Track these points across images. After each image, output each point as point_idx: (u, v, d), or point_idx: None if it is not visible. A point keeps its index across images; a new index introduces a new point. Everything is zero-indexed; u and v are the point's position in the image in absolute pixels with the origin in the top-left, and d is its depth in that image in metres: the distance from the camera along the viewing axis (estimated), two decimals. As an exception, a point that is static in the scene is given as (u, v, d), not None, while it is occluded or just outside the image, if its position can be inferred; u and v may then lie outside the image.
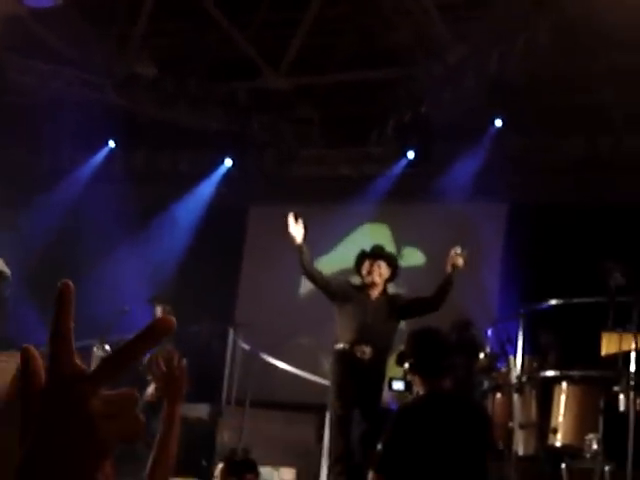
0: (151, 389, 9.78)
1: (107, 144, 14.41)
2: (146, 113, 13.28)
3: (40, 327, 11.25)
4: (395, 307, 8.18)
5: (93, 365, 0.92)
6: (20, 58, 12.79)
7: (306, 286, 13.59)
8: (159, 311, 10.68)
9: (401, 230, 13.66)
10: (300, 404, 11.63)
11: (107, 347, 10.18)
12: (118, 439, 0.87)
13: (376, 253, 8.32)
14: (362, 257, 8.34)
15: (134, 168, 14.45)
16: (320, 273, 8.41)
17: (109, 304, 11.23)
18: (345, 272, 13.68)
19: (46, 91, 13.16)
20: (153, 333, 0.91)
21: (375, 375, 7.88)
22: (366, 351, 7.90)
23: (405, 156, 13.14)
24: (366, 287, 8.23)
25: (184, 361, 3.38)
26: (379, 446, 5.07)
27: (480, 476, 5.11)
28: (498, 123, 12.47)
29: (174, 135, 13.69)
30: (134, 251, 13.50)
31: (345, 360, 7.97)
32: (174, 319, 0.92)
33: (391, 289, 8.61)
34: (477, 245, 12.86)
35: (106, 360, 0.90)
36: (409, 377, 5.76)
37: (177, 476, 5.84)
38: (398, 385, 6.39)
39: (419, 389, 5.26)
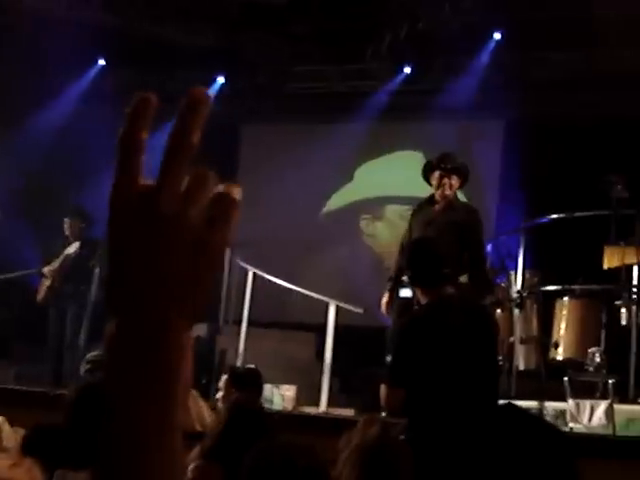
0: None
1: (97, 62, 14.17)
2: (136, 30, 13.04)
3: (31, 247, 11.18)
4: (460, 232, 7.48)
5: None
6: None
7: (308, 205, 13.58)
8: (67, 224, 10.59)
9: (394, 149, 13.57)
10: (299, 323, 11.65)
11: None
12: (223, 243, 0.86)
13: (448, 167, 7.72)
14: (431, 168, 7.83)
15: (124, 87, 14.21)
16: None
17: (101, 225, 11.14)
18: (359, 203, 13.72)
19: (32, 9, 12.91)
20: (193, 107, 0.86)
21: None
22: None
23: (401, 72, 12.96)
24: (435, 201, 7.81)
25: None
26: (388, 359, 5.03)
27: (490, 379, 5.09)
28: (497, 37, 12.26)
29: (165, 53, 13.45)
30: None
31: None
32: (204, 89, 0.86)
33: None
34: (475, 161, 12.79)
35: (165, 163, 0.85)
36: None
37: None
38: (405, 292, 6.34)
39: (423, 299, 5.22)
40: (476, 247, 7.53)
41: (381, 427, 3.89)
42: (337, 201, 13.86)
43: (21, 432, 3.91)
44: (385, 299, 7.64)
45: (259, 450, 2.88)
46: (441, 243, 5.90)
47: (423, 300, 5.22)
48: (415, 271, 5.21)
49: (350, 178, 13.81)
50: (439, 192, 7.70)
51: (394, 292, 7.56)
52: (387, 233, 13.33)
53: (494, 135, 12.98)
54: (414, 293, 5.73)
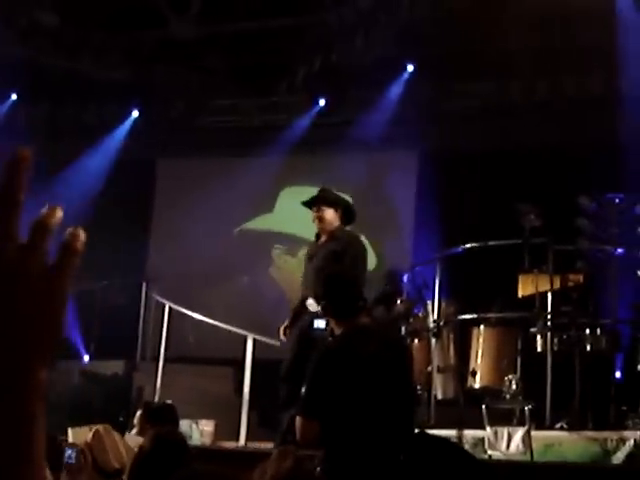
0: None
1: (9, 97, 13.98)
2: (49, 64, 12.91)
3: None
4: (337, 259, 7.75)
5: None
6: None
7: (223, 239, 13.51)
8: None
9: (311, 182, 13.58)
10: (217, 358, 11.55)
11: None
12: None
13: (311, 200, 8.10)
14: (307, 206, 8.12)
15: (38, 122, 14.05)
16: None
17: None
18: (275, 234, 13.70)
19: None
20: (17, 166, 0.87)
21: None
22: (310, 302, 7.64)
23: (316, 105, 13.05)
24: (319, 235, 8.08)
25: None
26: (302, 389, 5.00)
27: (406, 408, 5.09)
28: (409, 69, 12.41)
29: (79, 87, 13.34)
30: (38, 210, 13.16)
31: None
32: None
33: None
34: (390, 193, 12.91)
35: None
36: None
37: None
38: (319, 323, 6.32)
39: (336, 330, 5.23)
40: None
41: (295, 459, 3.88)
42: (253, 224, 13.83)
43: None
44: (284, 325, 7.87)
45: (180, 477, 2.84)
46: (353, 274, 5.91)
47: (337, 330, 5.22)
48: (330, 302, 5.20)
49: (270, 209, 13.78)
50: (317, 226, 8.00)
51: (294, 320, 7.82)
52: (297, 271, 13.32)
53: (408, 166, 13.09)
54: (327, 324, 5.74)
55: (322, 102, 13.03)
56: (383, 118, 12.53)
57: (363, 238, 8.55)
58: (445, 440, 2.90)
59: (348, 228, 8.10)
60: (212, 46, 12.96)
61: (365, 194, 12.83)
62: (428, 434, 2.24)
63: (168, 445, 4.15)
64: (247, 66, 13.09)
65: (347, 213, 8.08)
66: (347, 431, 4.80)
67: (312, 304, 7.69)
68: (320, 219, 7.90)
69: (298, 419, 4.93)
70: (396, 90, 12.54)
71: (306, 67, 12.62)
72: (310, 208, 8.05)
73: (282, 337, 8.01)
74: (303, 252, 13.26)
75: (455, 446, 1.94)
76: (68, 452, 3.53)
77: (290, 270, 13.21)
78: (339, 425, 4.83)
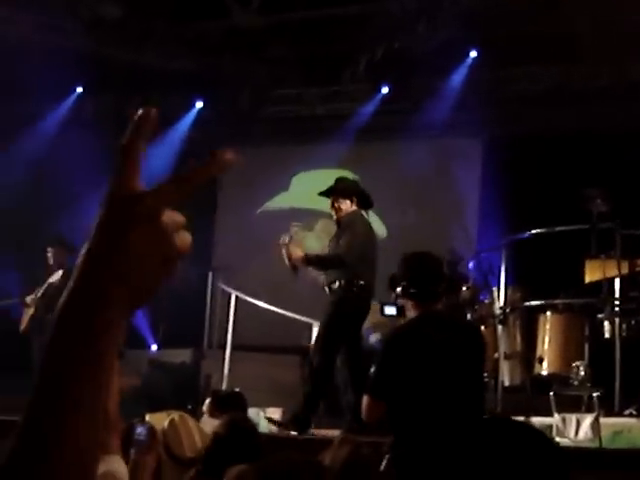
0: None
1: (75, 89, 14.15)
2: (113, 56, 13.05)
3: (12, 276, 11.11)
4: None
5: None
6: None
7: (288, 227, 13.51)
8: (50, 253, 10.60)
9: (375, 169, 13.53)
10: (283, 346, 11.61)
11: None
12: (180, 253, 0.99)
13: (327, 191, 8.47)
14: (326, 197, 8.49)
15: (104, 114, 14.22)
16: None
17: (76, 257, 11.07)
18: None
19: (9, 38, 12.90)
20: (213, 164, 1.01)
21: None
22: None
23: (379, 93, 13.02)
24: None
25: None
26: (372, 370, 5.00)
27: (477, 395, 5.07)
28: (472, 54, 12.33)
29: (143, 78, 13.46)
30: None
31: None
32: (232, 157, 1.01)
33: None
34: (454, 179, 12.85)
35: (166, 184, 0.98)
36: (400, 301, 5.68)
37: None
38: (390, 310, 6.28)
39: (412, 313, 5.17)
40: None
41: (352, 447, 3.89)
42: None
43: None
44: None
45: (270, 464, 2.87)
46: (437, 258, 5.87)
47: (412, 313, 5.18)
48: (412, 284, 5.14)
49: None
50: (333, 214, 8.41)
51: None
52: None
53: (472, 153, 13.02)
54: (399, 311, 5.73)
55: (385, 90, 12.99)
56: (447, 104, 12.47)
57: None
58: (523, 423, 2.90)
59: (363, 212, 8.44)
60: (276, 36, 12.99)
61: (429, 181, 12.81)
62: (500, 418, 2.23)
63: (241, 431, 4.21)
64: (311, 55, 13.11)
65: (362, 201, 8.42)
66: (415, 416, 4.80)
67: (337, 285, 8.05)
68: (337, 210, 8.26)
69: (365, 398, 4.94)
70: (459, 76, 12.46)
71: (369, 55, 12.61)
72: (327, 197, 8.40)
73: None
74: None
75: (534, 429, 1.94)
76: (139, 429, 3.57)
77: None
78: (407, 410, 4.83)
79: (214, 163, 1.01)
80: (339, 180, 8.63)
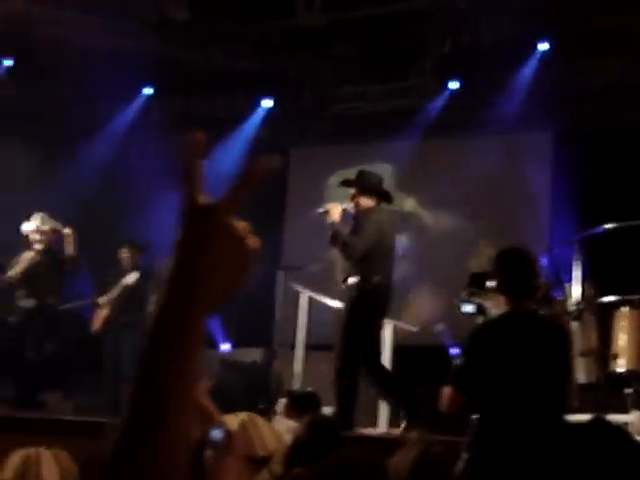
0: None
1: (142, 91, 14.27)
2: (181, 58, 13.15)
3: (83, 278, 11.21)
4: None
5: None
6: (49, 10, 12.68)
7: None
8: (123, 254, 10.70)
9: (443, 166, 13.41)
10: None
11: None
12: (253, 255, 1.15)
13: (349, 182, 8.58)
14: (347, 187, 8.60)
15: (172, 115, 14.33)
16: None
17: (149, 256, 11.15)
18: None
19: (78, 41, 13.06)
20: (259, 169, 1.17)
21: None
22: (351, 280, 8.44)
23: (447, 88, 12.90)
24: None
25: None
26: (458, 361, 4.98)
27: (560, 395, 5.00)
28: (542, 47, 12.15)
29: (210, 79, 13.54)
30: (175, 199, 13.44)
31: None
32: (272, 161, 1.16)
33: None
34: (525, 175, 12.69)
35: (229, 194, 1.14)
36: (476, 300, 5.65)
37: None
38: (467, 308, 6.24)
39: (499, 310, 5.14)
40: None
41: (422, 447, 3.86)
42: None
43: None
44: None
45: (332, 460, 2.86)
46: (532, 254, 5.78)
47: (502, 309, 5.14)
48: (507, 279, 5.10)
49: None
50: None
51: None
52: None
53: (543, 147, 12.86)
54: (479, 309, 5.69)
55: (453, 85, 12.87)
56: (516, 99, 12.33)
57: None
58: (621, 430, 2.83)
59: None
60: (340, 33, 12.97)
61: (499, 177, 12.67)
62: (605, 421, 2.17)
63: (323, 432, 4.22)
64: (376, 52, 13.06)
65: (382, 198, 8.48)
66: (497, 413, 4.74)
67: (352, 280, 8.07)
68: (355, 204, 8.30)
69: (448, 389, 4.91)
70: (529, 69, 12.30)
71: (436, 50, 12.53)
72: (348, 187, 8.47)
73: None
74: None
75: (630, 437, 1.88)
76: (214, 432, 3.57)
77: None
78: (489, 406, 4.78)
79: (260, 169, 1.18)
80: (362, 174, 8.62)
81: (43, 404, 10.61)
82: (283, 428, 6.11)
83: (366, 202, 8.29)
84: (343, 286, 8.31)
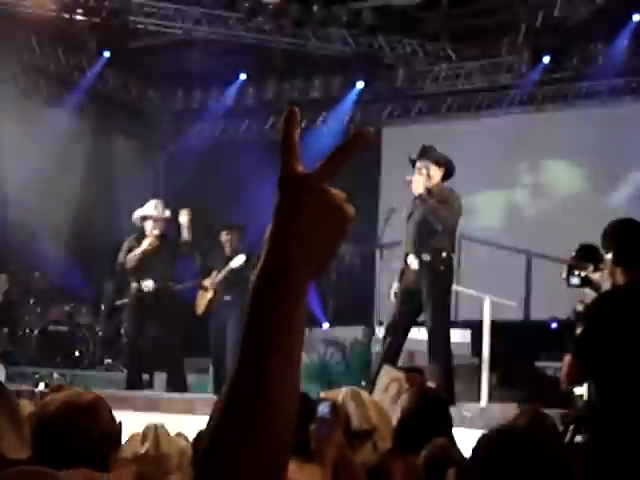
0: None
1: (238, 77, 14.46)
2: (274, 42, 13.30)
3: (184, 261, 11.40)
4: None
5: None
6: (145, 1, 12.93)
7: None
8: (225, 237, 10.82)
9: (539, 140, 13.33)
10: (454, 321, 11.61)
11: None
12: (349, 219, 1.14)
13: (418, 157, 8.57)
14: (413, 164, 8.62)
15: (266, 99, 14.53)
16: None
17: (253, 235, 11.31)
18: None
19: (175, 32, 13.31)
20: (356, 139, 1.14)
21: None
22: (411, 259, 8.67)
23: (540, 62, 12.80)
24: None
25: None
26: (578, 330, 4.97)
27: None
28: (635, 18, 12.00)
29: (303, 62, 13.69)
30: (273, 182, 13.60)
31: None
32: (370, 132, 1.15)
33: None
34: (623, 146, 12.54)
35: (325, 163, 1.13)
36: (582, 273, 5.65)
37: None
38: (575, 280, 6.26)
39: (618, 280, 5.09)
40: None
41: (533, 415, 3.88)
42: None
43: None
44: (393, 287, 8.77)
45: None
46: None
47: (620, 281, 5.10)
48: (623, 251, 5.08)
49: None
50: (416, 183, 8.51)
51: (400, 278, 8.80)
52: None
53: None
54: (583, 281, 5.73)
55: (547, 59, 12.76)
56: (611, 70, 12.20)
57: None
58: None
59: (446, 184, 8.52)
60: (430, 11, 12.99)
61: (596, 148, 12.55)
62: None
63: (433, 405, 4.26)
64: (467, 28, 13.05)
65: (449, 170, 8.49)
66: (619, 384, 4.70)
67: (413, 261, 8.08)
68: (427, 176, 8.30)
69: (568, 358, 4.88)
70: (622, 40, 12.15)
71: (528, 24, 12.45)
72: (414, 165, 8.46)
73: (392, 298, 8.71)
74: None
75: None
76: (321, 406, 3.67)
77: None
78: (609, 376, 4.74)
79: (357, 141, 1.14)
80: (429, 148, 8.60)
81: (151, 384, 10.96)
82: (386, 380, 6.23)
83: (438, 175, 8.41)
84: (413, 257, 8.50)
